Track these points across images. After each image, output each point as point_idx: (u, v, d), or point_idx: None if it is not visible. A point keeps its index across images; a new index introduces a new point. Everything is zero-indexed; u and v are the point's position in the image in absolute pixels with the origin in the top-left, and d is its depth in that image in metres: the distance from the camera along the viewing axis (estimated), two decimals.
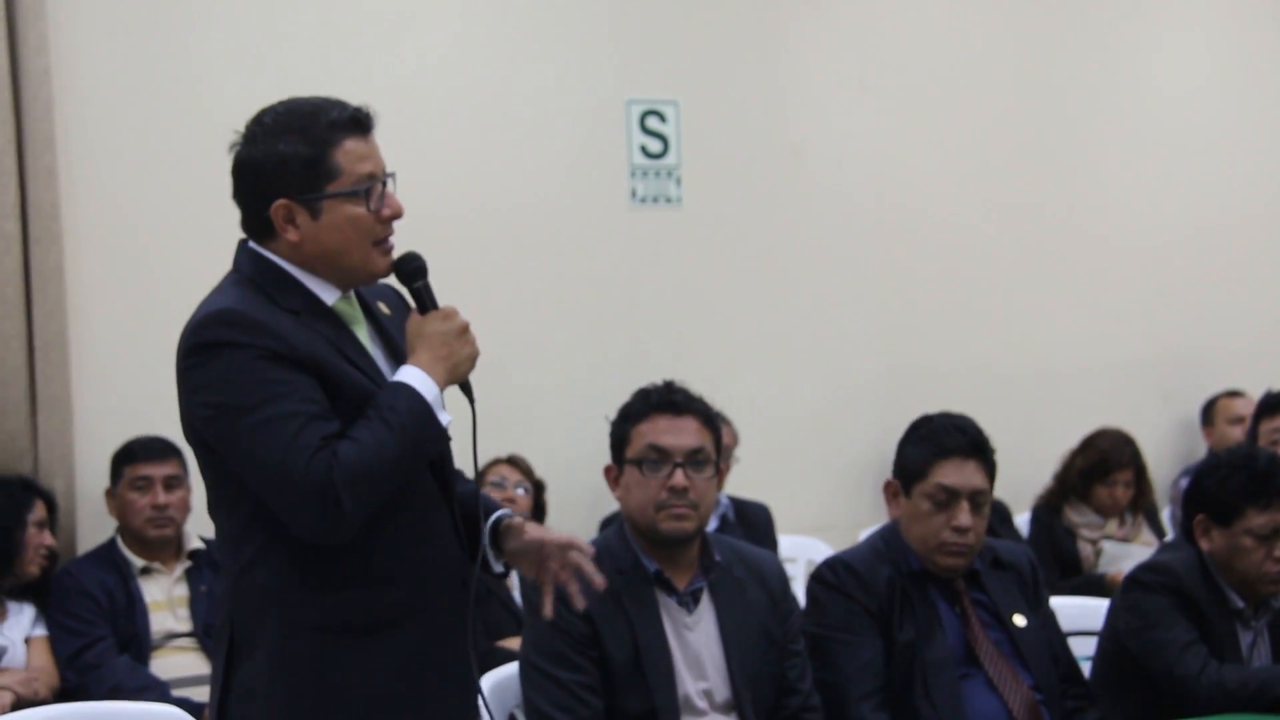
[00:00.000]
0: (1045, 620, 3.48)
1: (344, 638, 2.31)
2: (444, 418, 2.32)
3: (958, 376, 5.70)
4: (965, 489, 3.31)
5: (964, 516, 3.30)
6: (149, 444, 4.36)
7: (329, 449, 2.21)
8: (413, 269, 2.41)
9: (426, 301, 2.42)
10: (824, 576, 3.38)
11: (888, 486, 3.44)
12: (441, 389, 2.33)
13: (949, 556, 3.33)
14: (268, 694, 2.30)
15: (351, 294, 2.42)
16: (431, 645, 2.37)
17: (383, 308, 2.50)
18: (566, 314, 5.28)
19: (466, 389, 2.43)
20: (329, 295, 2.37)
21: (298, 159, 2.30)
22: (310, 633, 2.30)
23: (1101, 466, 5.40)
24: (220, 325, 2.25)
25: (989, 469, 3.37)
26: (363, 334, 2.42)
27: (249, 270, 2.36)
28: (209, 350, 2.25)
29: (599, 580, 2.49)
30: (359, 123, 2.35)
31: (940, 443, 3.34)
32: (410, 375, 2.32)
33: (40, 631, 4.12)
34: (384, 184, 2.36)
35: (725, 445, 4.78)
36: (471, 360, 2.40)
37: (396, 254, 2.41)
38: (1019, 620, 3.38)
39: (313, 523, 2.22)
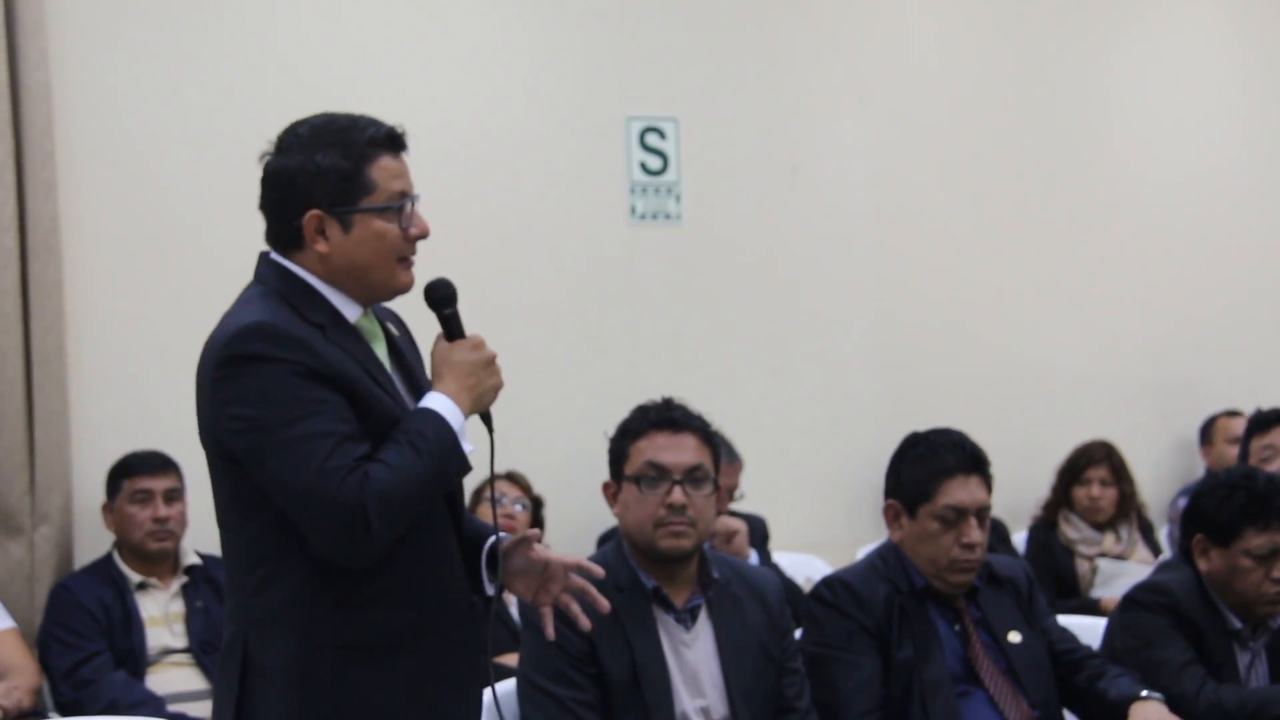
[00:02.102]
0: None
1: (363, 657, 2.30)
2: (466, 447, 2.34)
3: (956, 394, 5.70)
4: (973, 506, 3.32)
5: (974, 533, 3.31)
6: (148, 457, 4.34)
7: (361, 471, 2.21)
8: (443, 295, 2.43)
9: (455, 329, 2.43)
10: (822, 595, 3.38)
11: (888, 509, 3.42)
12: (465, 418, 2.34)
13: (960, 573, 3.33)
14: (285, 711, 2.29)
15: (370, 311, 2.43)
16: (446, 667, 2.38)
17: (391, 328, 2.50)
18: (565, 330, 5.27)
19: (486, 419, 2.44)
20: (351, 311, 2.38)
21: (335, 172, 2.32)
22: (329, 651, 2.29)
23: (1072, 468, 5.47)
24: (256, 338, 2.24)
25: (989, 481, 3.38)
26: (381, 351, 2.43)
27: (274, 283, 2.35)
28: (243, 363, 2.24)
29: (603, 604, 2.52)
30: (395, 141, 2.39)
31: (941, 462, 3.34)
32: (438, 403, 2.32)
33: (5, 624, 4.06)
34: (412, 203, 2.38)
35: (729, 485, 4.77)
36: (495, 391, 2.41)
37: (421, 279, 2.42)
38: (1014, 637, 3.38)
39: (340, 543, 2.22)
